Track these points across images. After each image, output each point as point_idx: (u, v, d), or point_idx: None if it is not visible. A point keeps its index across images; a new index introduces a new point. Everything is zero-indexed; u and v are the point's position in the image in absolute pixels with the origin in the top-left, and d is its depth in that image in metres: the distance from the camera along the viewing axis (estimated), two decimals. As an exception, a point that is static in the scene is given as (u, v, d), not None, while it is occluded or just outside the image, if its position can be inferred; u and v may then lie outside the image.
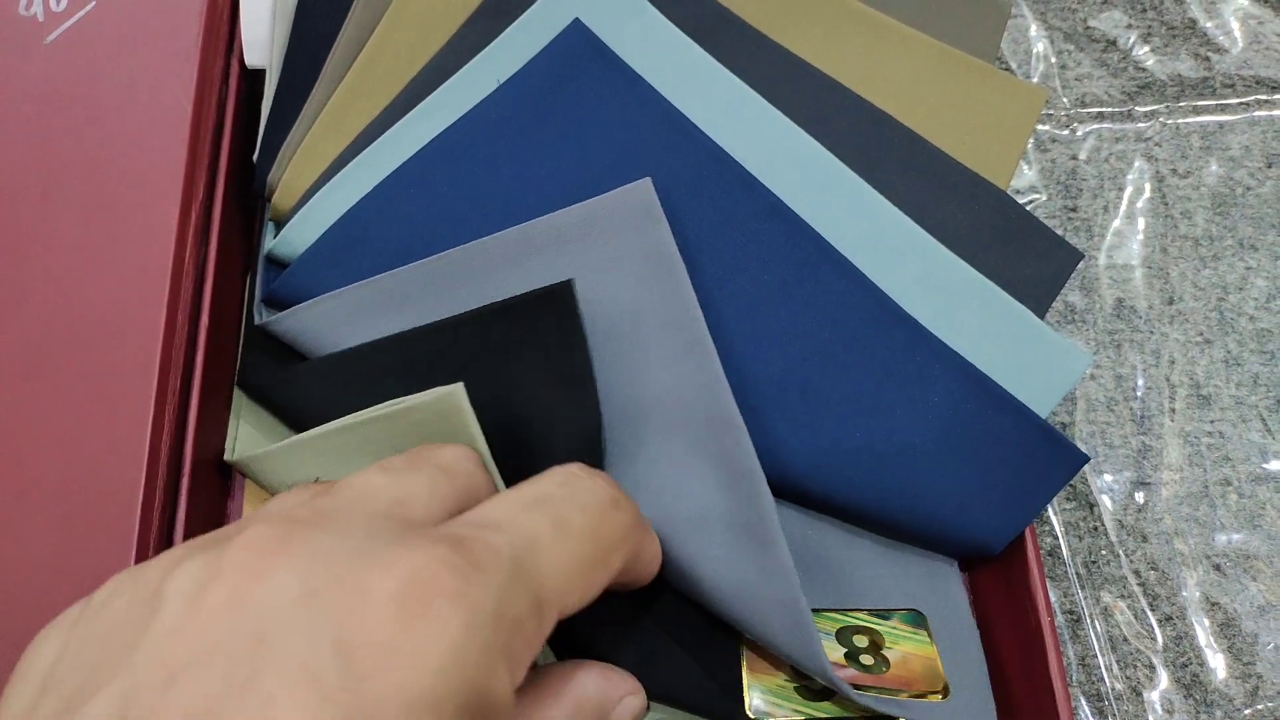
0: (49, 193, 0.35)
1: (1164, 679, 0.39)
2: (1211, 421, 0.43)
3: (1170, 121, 0.49)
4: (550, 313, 0.31)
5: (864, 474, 0.33)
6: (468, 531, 0.19)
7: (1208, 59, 0.51)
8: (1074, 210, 0.48)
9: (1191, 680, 0.39)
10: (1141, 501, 0.41)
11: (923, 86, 0.38)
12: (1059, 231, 0.46)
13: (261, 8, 0.39)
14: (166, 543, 0.32)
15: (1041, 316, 0.34)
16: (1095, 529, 0.41)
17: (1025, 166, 0.48)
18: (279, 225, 0.37)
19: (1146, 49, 0.51)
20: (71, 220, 0.35)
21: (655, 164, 0.34)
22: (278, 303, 0.36)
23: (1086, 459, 0.32)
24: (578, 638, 0.29)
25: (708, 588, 0.30)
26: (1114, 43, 0.51)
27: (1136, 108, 0.50)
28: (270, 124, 0.38)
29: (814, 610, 0.31)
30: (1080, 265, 0.43)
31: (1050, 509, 0.41)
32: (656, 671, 0.29)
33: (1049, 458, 0.33)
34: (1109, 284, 0.46)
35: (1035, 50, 0.51)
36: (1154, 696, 0.38)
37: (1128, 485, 0.42)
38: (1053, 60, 0.51)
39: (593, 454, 0.31)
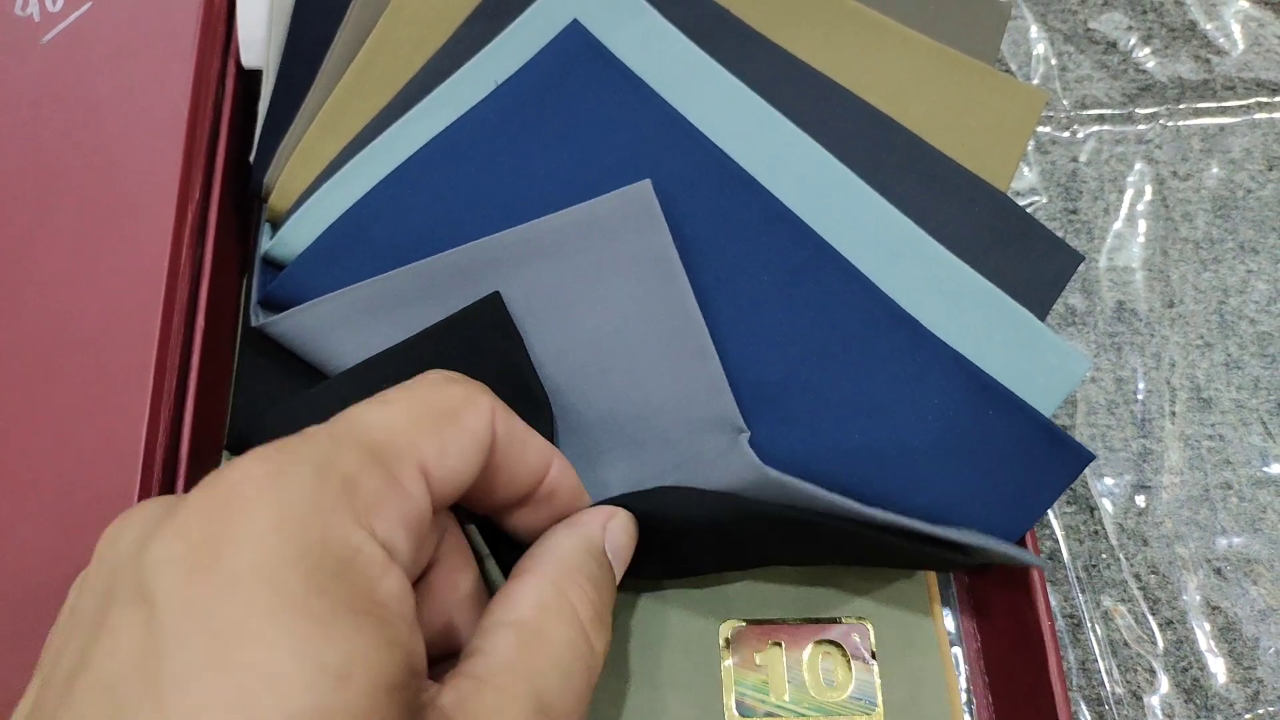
0: (44, 194, 0.35)
1: (1164, 683, 0.39)
2: (1212, 425, 0.43)
3: (1171, 124, 0.49)
4: (485, 326, 0.31)
5: (865, 475, 0.32)
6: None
7: (1208, 61, 0.51)
8: (1074, 212, 0.47)
9: (1192, 684, 0.38)
10: (1142, 505, 0.41)
11: (923, 88, 0.38)
12: (1059, 234, 0.46)
13: (258, 8, 0.39)
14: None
15: (1042, 319, 0.34)
16: (1096, 532, 0.41)
17: (1025, 169, 0.48)
18: (275, 226, 0.37)
19: (1147, 51, 0.51)
20: (67, 221, 0.35)
21: (654, 165, 0.34)
22: (274, 305, 0.36)
23: (1091, 457, 0.32)
24: None
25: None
26: (1114, 45, 0.51)
27: (1137, 110, 0.50)
28: (267, 125, 0.38)
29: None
30: (1081, 268, 0.43)
31: (1050, 512, 0.41)
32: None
33: (1052, 457, 0.32)
34: (1109, 286, 0.46)
35: (1035, 52, 0.51)
36: (1154, 701, 0.38)
37: (1128, 489, 0.42)
38: (1053, 62, 0.51)
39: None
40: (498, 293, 0.32)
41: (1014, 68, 0.51)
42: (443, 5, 0.38)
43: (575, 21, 0.36)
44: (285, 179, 0.36)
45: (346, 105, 0.37)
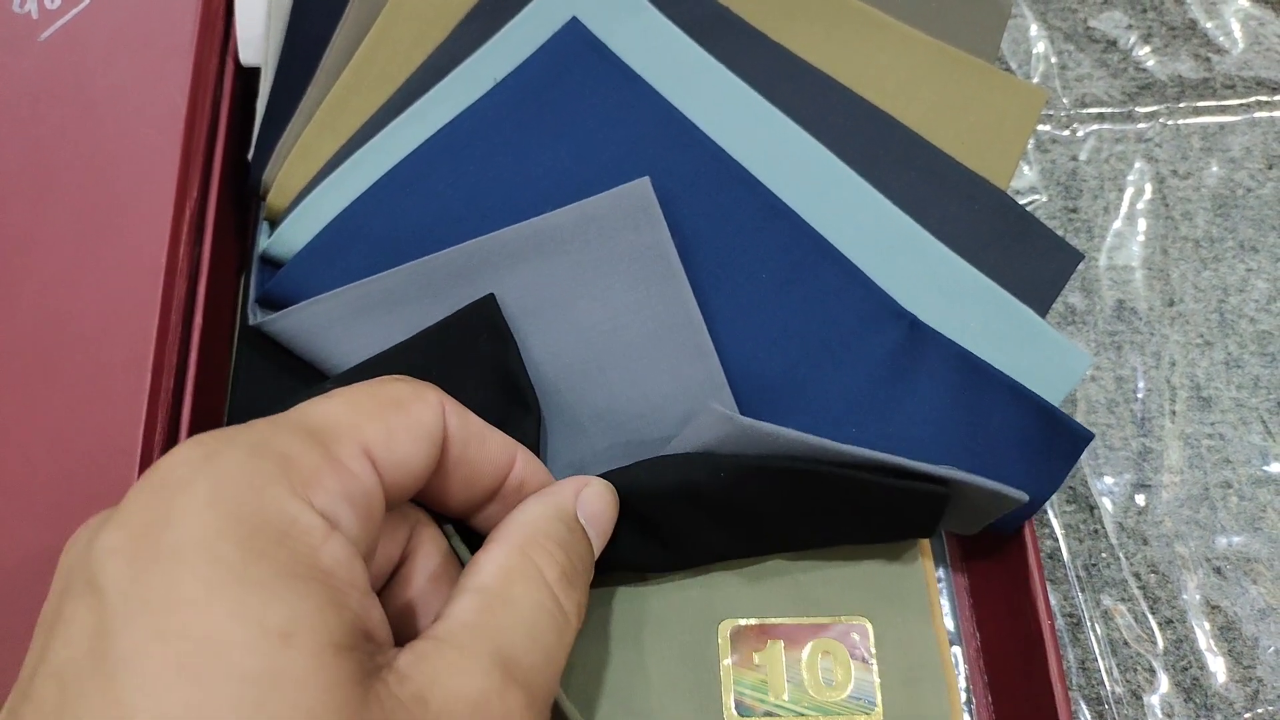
0: (42, 191, 0.35)
1: (1164, 682, 0.38)
2: (1212, 424, 0.43)
3: (1171, 122, 0.49)
4: (479, 328, 0.31)
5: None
6: None
7: (1208, 60, 0.51)
8: (1074, 211, 0.47)
9: (1192, 684, 0.38)
10: (1142, 504, 0.41)
11: (923, 86, 0.38)
12: (1059, 232, 0.46)
13: (257, 5, 0.39)
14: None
15: (1042, 317, 0.34)
16: (1095, 531, 0.41)
17: (1025, 167, 0.48)
18: (274, 224, 0.37)
19: (1147, 49, 0.51)
20: (65, 219, 0.35)
21: (653, 163, 0.34)
22: (272, 302, 0.36)
23: (1090, 435, 0.32)
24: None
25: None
26: (1114, 43, 0.51)
27: (1137, 108, 0.50)
28: (265, 122, 0.38)
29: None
30: (1080, 266, 0.43)
31: (1050, 511, 0.41)
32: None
33: (1052, 440, 0.32)
34: (1109, 285, 0.46)
35: (1035, 50, 0.51)
36: (1154, 700, 0.38)
37: (1128, 488, 0.42)
38: (1053, 60, 0.51)
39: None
40: (492, 295, 0.31)
41: (1014, 66, 0.51)
42: (441, 2, 0.38)
43: (574, 19, 0.36)
44: (283, 176, 0.36)
45: (345, 103, 0.37)
